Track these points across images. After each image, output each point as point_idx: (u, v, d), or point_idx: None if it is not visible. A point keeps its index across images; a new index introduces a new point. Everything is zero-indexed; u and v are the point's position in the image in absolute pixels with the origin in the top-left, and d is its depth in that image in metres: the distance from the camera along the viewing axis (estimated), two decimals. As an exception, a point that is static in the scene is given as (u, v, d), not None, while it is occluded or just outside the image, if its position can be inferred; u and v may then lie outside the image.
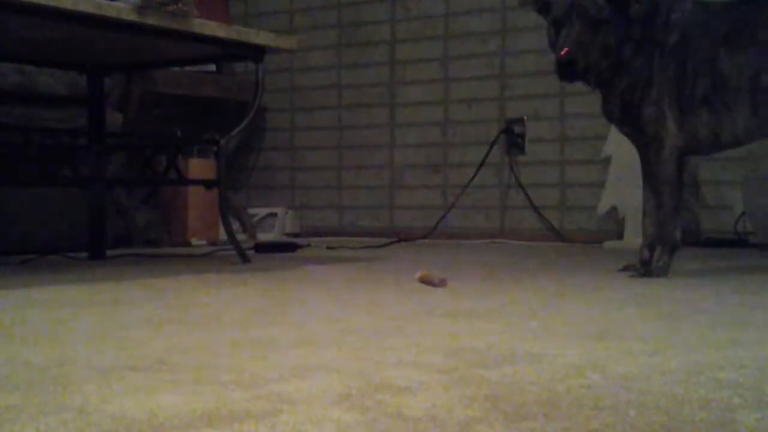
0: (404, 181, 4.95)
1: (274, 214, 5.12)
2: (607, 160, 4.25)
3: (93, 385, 1.12)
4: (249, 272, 2.83)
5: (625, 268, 2.75)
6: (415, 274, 2.40)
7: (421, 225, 4.79)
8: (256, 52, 3.17)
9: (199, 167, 4.36)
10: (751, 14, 2.59)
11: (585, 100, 4.26)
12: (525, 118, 4.58)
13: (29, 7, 2.47)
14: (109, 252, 3.55)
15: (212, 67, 4.91)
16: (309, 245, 4.18)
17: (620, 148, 3.91)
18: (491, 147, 4.61)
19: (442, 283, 2.32)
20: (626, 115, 2.65)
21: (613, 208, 4.23)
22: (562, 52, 2.49)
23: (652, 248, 2.66)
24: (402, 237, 4.64)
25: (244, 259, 3.18)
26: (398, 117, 4.97)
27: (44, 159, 3.55)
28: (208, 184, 3.38)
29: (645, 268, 2.64)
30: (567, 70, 2.53)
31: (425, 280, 2.34)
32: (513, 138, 4.60)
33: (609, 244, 4.13)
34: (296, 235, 5.02)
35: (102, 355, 1.34)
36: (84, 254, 3.49)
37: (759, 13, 2.58)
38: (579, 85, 2.81)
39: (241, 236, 4.35)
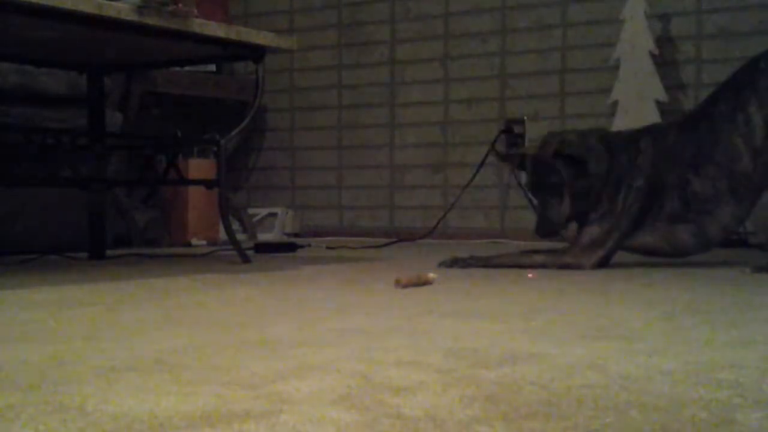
0: (404, 181, 4.95)
1: (274, 214, 5.12)
2: (607, 160, 4.25)
3: (93, 385, 1.12)
4: (249, 272, 2.83)
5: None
6: (396, 285, 2.28)
7: (421, 225, 4.79)
8: (256, 52, 3.17)
9: (199, 167, 4.36)
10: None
11: (585, 100, 4.27)
12: (525, 118, 4.58)
13: (29, 7, 2.47)
14: (109, 252, 3.56)
15: (212, 67, 4.92)
16: (309, 245, 4.18)
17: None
18: (491, 147, 4.61)
19: (426, 281, 2.31)
20: None
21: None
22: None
23: None
24: (402, 237, 4.64)
25: (244, 259, 3.18)
26: (398, 117, 4.97)
27: (44, 159, 3.55)
28: (208, 184, 3.38)
29: None
30: None
31: (409, 284, 2.30)
32: (513, 138, 4.60)
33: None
34: (296, 235, 5.03)
35: (102, 355, 1.34)
36: (84, 254, 3.49)
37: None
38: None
39: (241, 236, 4.36)
